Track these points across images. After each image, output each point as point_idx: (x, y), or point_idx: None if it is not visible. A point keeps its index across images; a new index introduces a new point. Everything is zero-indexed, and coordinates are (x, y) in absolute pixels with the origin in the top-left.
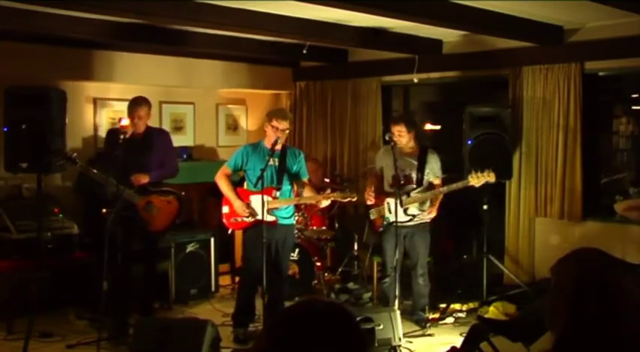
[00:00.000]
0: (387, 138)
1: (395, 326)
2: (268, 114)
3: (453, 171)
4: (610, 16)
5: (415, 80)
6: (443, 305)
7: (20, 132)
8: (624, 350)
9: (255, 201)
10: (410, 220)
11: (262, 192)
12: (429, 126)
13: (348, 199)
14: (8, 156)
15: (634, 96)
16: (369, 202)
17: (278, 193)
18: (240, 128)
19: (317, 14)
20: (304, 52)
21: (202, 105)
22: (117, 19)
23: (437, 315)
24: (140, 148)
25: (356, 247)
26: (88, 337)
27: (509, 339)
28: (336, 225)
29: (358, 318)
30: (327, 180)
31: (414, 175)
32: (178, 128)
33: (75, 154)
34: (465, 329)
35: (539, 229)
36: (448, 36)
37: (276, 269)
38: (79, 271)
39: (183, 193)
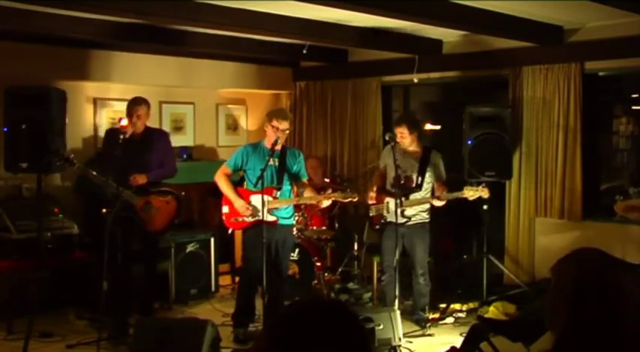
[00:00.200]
0: (387, 138)
1: (395, 326)
2: (268, 114)
3: (453, 171)
4: (610, 16)
5: (415, 80)
6: (443, 305)
7: (20, 132)
8: (624, 350)
9: (256, 200)
10: (406, 222)
11: (262, 191)
12: (429, 126)
13: (349, 199)
14: (8, 156)
15: (634, 96)
16: (370, 201)
17: (278, 193)
18: (240, 128)
19: (317, 14)
20: (304, 52)
21: (202, 105)
22: (117, 19)
23: (437, 315)
24: (139, 148)
25: (356, 247)
26: (88, 337)
27: (509, 339)
28: (336, 225)
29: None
30: (327, 180)
31: (414, 177)
32: (178, 128)
33: (72, 155)
34: (465, 329)
35: (539, 229)
36: (448, 36)
37: (276, 270)
38: (79, 271)
39: (183, 193)
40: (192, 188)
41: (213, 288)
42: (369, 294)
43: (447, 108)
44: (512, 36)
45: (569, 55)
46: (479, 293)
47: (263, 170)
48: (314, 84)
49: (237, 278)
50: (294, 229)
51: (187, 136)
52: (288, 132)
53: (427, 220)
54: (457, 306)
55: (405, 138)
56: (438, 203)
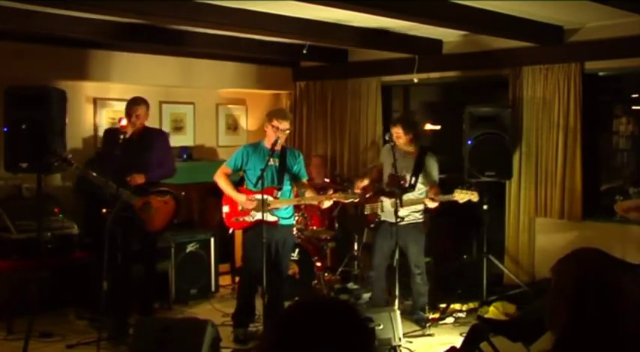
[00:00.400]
0: (387, 138)
1: (395, 326)
2: (268, 114)
3: (453, 171)
4: (610, 16)
5: (415, 80)
6: (443, 305)
7: (20, 132)
8: (624, 350)
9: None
10: (400, 222)
11: (262, 191)
12: (429, 126)
13: (350, 200)
14: (8, 156)
15: (634, 96)
16: (356, 190)
17: (279, 193)
18: (240, 128)
19: (317, 14)
20: (304, 52)
21: (202, 105)
22: (117, 19)
23: (437, 315)
24: (138, 148)
25: (356, 247)
26: (88, 337)
27: (509, 339)
28: (336, 225)
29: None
30: (327, 180)
31: (408, 177)
32: (178, 128)
33: (70, 155)
34: (465, 329)
35: (539, 229)
36: (448, 36)
37: (276, 270)
38: (79, 271)
39: (183, 193)
40: (192, 188)
41: (213, 288)
42: (368, 294)
43: (447, 108)
44: (512, 36)
45: (569, 55)
46: (479, 293)
47: (263, 170)
48: (314, 84)
49: (237, 278)
50: (294, 229)
51: (187, 136)
52: (288, 132)
53: (420, 220)
54: (457, 306)
55: (400, 138)
56: (431, 204)
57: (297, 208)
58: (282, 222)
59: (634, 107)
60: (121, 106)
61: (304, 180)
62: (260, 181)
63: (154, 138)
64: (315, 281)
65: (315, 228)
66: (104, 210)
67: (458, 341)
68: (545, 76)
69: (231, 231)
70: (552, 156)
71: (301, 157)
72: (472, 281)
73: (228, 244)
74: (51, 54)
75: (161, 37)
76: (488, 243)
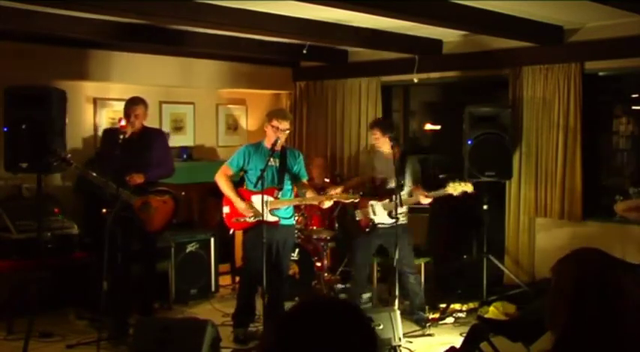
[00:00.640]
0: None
1: (395, 326)
2: (268, 114)
3: (452, 171)
4: (610, 16)
5: (415, 80)
6: (443, 305)
7: (20, 132)
8: (624, 350)
9: (257, 201)
10: (395, 222)
11: (263, 192)
12: (429, 126)
13: (351, 200)
14: (8, 156)
15: (634, 96)
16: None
17: (280, 193)
18: (240, 128)
19: (317, 14)
20: (304, 52)
21: (202, 105)
22: (117, 19)
23: (437, 315)
24: (137, 148)
25: None
26: (88, 337)
27: (509, 339)
28: (336, 225)
29: None
30: (327, 180)
31: (392, 179)
32: (178, 128)
33: (69, 155)
34: (465, 329)
35: (539, 229)
36: (448, 36)
37: (276, 270)
38: (79, 271)
39: (183, 193)
40: (192, 188)
41: (213, 288)
42: (368, 294)
43: (447, 108)
44: (512, 36)
45: (569, 55)
46: (479, 293)
47: (263, 170)
48: (314, 84)
49: (237, 278)
50: (295, 229)
51: (187, 136)
52: (288, 132)
53: (406, 222)
54: (457, 306)
55: (378, 139)
56: (425, 200)
57: (297, 208)
58: (283, 222)
59: (634, 107)
60: (121, 106)
61: (304, 180)
62: (260, 181)
63: (153, 138)
64: (315, 282)
65: (315, 228)
66: (104, 210)
67: (458, 341)
68: (545, 76)
69: (231, 231)
70: (552, 156)
71: (301, 157)
72: (472, 281)
73: (228, 244)
74: (51, 54)
75: (161, 37)
76: (488, 243)
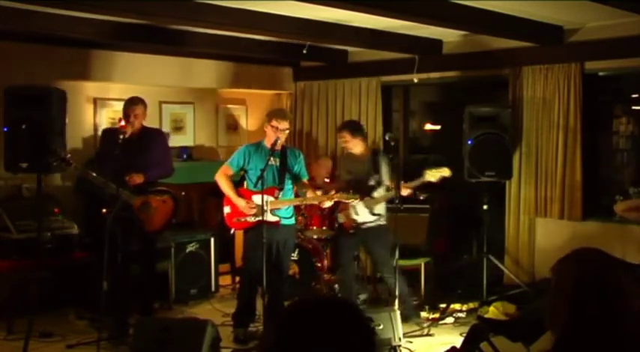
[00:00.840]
0: (387, 138)
1: (395, 326)
2: (268, 114)
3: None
4: (610, 16)
5: (415, 80)
6: (443, 305)
7: (20, 132)
8: (624, 350)
9: (258, 201)
10: (377, 219)
11: (263, 191)
12: (429, 126)
13: (352, 200)
14: (8, 156)
15: (634, 96)
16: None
17: (280, 193)
18: (240, 128)
19: (317, 14)
20: (304, 52)
21: (202, 105)
22: (117, 19)
23: (437, 315)
24: (136, 148)
25: None
26: (88, 337)
27: (509, 339)
28: (336, 225)
29: None
30: (326, 180)
31: (371, 178)
32: (178, 128)
33: (69, 155)
34: (465, 329)
35: (539, 229)
36: (448, 36)
37: (277, 270)
38: (79, 271)
39: (183, 193)
40: (192, 188)
41: (213, 288)
42: (364, 295)
43: (447, 108)
44: (512, 36)
45: (569, 55)
46: (479, 293)
47: (263, 170)
48: (314, 84)
49: (237, 278)
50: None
51: (187, 136)
52: (287, 131)
53: (385, 223)
54: (457, 306)
55: (348, 142)
56: (404, 192)
57: (297, 208)
58: (284, 221)
59: (634, 107)
60: (121, 106)
61: (305, 179)
62: (260, 181)
63: (152, 138)
64: (315, 282)
65: (315, 228)
66: (104, 210)
67: (458, 341)
68: (545, 76)
69: (232, 231)
70: (552, 156)
71: (302, 157)
72: (472, 281)
73: (228, 244)
74: (51, 54)
75: (161, 37)
76: (488, 243)
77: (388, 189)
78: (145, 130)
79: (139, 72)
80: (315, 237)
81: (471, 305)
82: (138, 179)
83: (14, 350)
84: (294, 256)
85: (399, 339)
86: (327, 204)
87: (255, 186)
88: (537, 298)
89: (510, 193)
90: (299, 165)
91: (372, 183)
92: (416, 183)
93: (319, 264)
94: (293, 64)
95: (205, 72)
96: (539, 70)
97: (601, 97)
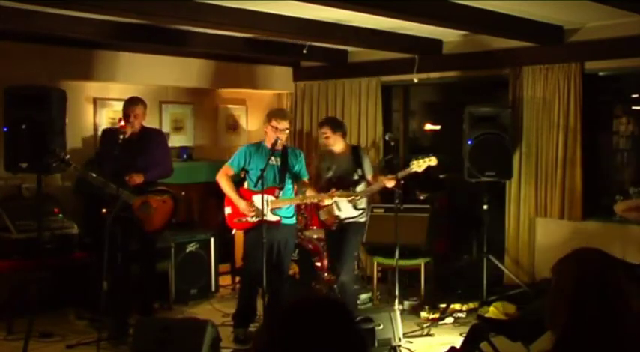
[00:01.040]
0: (386, 138)
1: (395, 326)
2: (268, 114)
3: (452, 171)
4: (610, 16)
5: (415, 80)
6: (443, 305)
7: (20, 132)
8: (624, 350)
9: (258, 201)
10: (361, 214)
11: (263, 191)
12: (429, 126)
13: (352, 198)
14: (8, 156)
15: (634, 96)
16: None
17: (281, 193)
18: (240, 128)
19: (317, 14)
20: (304, 52)
21: (202, 105)
22: (117, 19)
23: (437, 315)
24: (136, 148)
25: None
26: (88, 337)
27: (509, 339)
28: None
29: (358, 318)
30: None
31: (355, 173)
32: (178, 128)
33: (69, 156)
34: (465, 329)
35: (539, 229)
36: (448, 36)
37: (277, 270)
38: (79, 271)
39: (183, 193)
40: (192, 188)
41: (213, 288)
42: (368, 294)
43: (447, 108)
44: (512, 36)
45: (569, 55)
46: (479, 293)
47: (263, 170)
48: (314, 84)
49: (237, 278)
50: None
51: (187, 136)
52: (287, 131)
53: (363, 220)
54: (457, 306)
55: (329, 137)
56: (390, 184)
57: (297, 208)
58: (285, 221)
59: (634, 107)
60: (121, 106)
61: (305, 179)
62: (260, 181)
63: (152, 138)
64: (315, 282)
65: (315, 227)
66: (104, 210)
67: (458, 341)
68: (545, 76)
69: (233, 231)
70: (552, 156)
71: (302, 156)
72: (472, 281)
73: (228, 244)
74: (51, 54)
75: (161, 37)
76: (488, 243)
77: (368, 185)
78: (145, 130)
79: (139, 72)
80: (315, 237)
81: (471, 305)
82: (138, 179)
83: (14, 350)
84: (294, 256)
85: (399, 339)
86: (328, 202)
87: (255, 185)
88: (537, 298)
89: (510, 193)
90: (299, 165)
91: (355, 177)
92: (402, 173)
93: (319, 264)
94: (293, 64)
95: (205, 72)
96: (539, 70)
97: (601, 97)
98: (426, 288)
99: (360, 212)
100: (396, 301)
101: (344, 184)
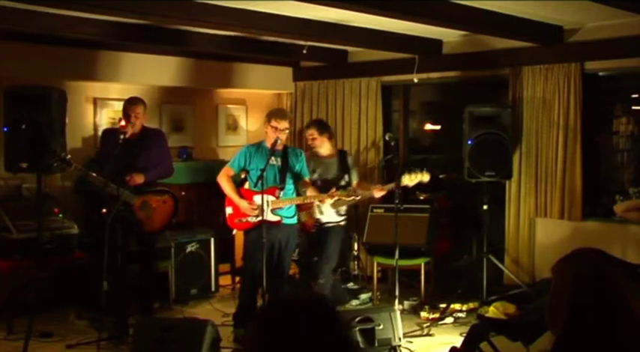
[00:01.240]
0: (386, 138)
1: (395, 326)
2: (268, 114)
3: (452, 171)
4: (610, 16)
5: (415, 80)
6: (443, 305)
7: (20, 132)
8: (624, 350)
9: (259, 201)
10: (344, 219)
11: (263, 191)
12: (429, 126)
13: (352, 198)
14: (8, 156)
15: (634, 96)
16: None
17: (281, 193)
18: (240, 128)
19: (317, 14)
20: (304, 52)
21: (202, 105)
22: (117, 19)
23: (437, 315)
24: (136, 148)
25: (356, 247)
26: (88, 337)
27: (509, 339)
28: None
29: (358, 318)
30: None
31: (342, 179)
32: (178, 128)
33: (69, 156)
34: (465, 329)
35: (539, 229)
36: (448, 36)
37: (277, 270)
38: (79, 271)
39: (183, 193)
40: (192, 188)
41: (213, 288)
42: (368, 294)
43: (447, 108)
44: (512, 36)
45: (569, 55)
46: (479, 293)
47: (263, 170)
48: (314, 84)
49: (237, 278)
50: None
51: (187, 136)
52: (287, 131)
53: (343, 223)
54: (457, 306)
55: (315, 139)
56: (378, 194)
57: (299, 208)
58: (286, 221)
59: (634, 107)
60: (121, 106)
61: (306, 178)
62: (260, 181)
63: (152, 138)
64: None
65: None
66: (104, 210)
67: (458, 341)
68: (545, 76)
69: (234, 232)
70: (552, 156)
71: (303, 156)
72: (472, 281)
73: (228, 244)
74: (51, 54)
75: (161, 37)
76: (488, 243)
77: (352, 192)
78: (145, 130)
79: (139, 72)
80: None
81: (471, 305)
82: (138, 179)
83: (14, 350)
84: (294, 256)
85: (399, 339)
86: (328, 201)
87: (255, 185)
88: (537, 298)
89: (510, 193)
90: (300, 165)
91: (342, 183)
92: (390, 186)
93: None
94: (293, 64)
95: (205, 72)
96: (539, 70)
97: (601, 97)
98: (426, 288)
99: (342, 217)
100: (396, 301)
101: (328, 189)
